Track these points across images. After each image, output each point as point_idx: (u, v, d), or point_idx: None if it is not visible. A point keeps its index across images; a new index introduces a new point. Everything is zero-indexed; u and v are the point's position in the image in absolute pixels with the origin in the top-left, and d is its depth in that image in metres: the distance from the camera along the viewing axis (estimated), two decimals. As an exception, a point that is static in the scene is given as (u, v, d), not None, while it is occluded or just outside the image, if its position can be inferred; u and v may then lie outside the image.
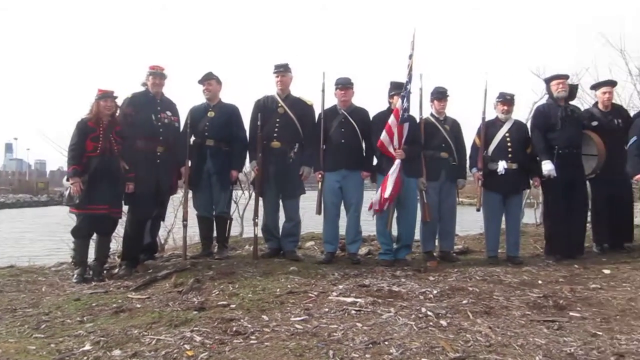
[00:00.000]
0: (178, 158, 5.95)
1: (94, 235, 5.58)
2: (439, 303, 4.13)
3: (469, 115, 6.50)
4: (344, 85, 6.02)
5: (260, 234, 6.14)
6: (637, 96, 10.87)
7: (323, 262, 5.88)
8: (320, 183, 5.99)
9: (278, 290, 4.56)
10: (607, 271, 5.37)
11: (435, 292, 4.46)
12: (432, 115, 6.23)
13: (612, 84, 6.65)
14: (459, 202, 6.58)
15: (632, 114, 6.82)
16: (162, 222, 6.60)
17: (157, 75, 5.85)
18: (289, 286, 4.69)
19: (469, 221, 9.34)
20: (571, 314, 3.84)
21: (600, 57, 22.37)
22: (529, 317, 3.74)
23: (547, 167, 5.87)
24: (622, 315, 3.79)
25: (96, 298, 4.56)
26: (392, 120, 5.66)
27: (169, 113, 5.92)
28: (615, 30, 16.01)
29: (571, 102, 6.31)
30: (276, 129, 5.99)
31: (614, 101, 6.88)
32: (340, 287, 4.64)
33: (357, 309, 3.93)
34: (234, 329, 3.52)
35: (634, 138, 5.80)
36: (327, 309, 3.95)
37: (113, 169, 5.40)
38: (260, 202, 6.13)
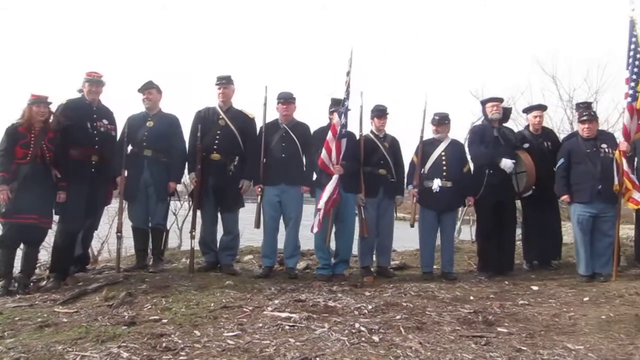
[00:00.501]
0: (114, 168, 5.80)
1: (22, 246, 5.34)
2: (372, 318, 4.16)
3: (414, 134, 6.62)
4: (286, 100, 6.04)
5: (197, 247, 6.05)
6: (567, 120, 11.42)
7: (260, 276, 5.84)
8: (259, 197, 5.96)
9: (212, 304, 4.49)
10: (535, 287, 5.57)
11: (370, 307, 4.50)
12: (371, 132, 6.33)
13: (542, 108, 6.97)
14: (397, 218, 6.69)
15: (561, 137, 7.17)
16: (95, 233, 6.39)
17: (94, 82, 5.70)
18: (223, 300, 4.64)
19: (408, 237, 9.50)
20: (499, 329, 3.95)
21: (535, 82, 23.42)
22: (459, 333, 3.82)
23: (506, 163, 6.09)
24: (546, 331, 3.93)
25: (20, 312, 4.35)
26: (329, 136, 5.71)
27: (105, 121, 5.77)
28: (549, 57, 16.77)
29: (505, 124, 6.57)
30: (216, 141, 5.94)
31: (545, 125, 7.21)
32: (276, 301, 4.61)
33: (291, 324, 3.91)
34: (164, 344, 3.44)
35: (562, 160, 6.08)
36: (261, 324, 3.91)
37: (43, 177, 5.20)
38: (199, 215, 6.05)
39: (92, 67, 5.80)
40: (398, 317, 4.22)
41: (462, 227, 11.62)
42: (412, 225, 6.28)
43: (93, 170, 5.59)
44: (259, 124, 6.13)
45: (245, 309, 4.34)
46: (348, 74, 5.83)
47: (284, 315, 4.17)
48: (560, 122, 11.96)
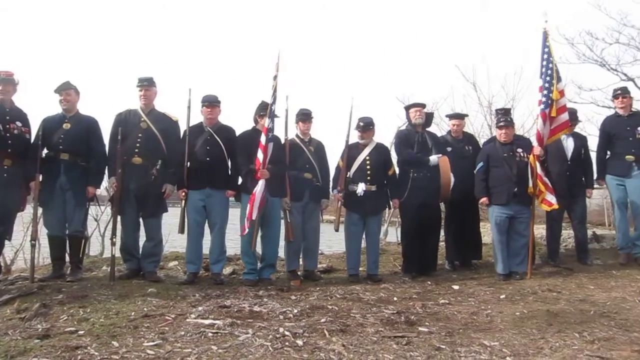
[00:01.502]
0: (27, 172, 5.51)
1: None
2: (297, 322, 4.16)
3: (340, 138, 6.68)
4: (211, 103, 5.95)
5: (118, 254, 5.85)
6: (487, 126, 11.93)
7: (184, 282, 5.71)
8: (183, 201, 5.84)
9: (133, 313, 4.34)
10: (456, 287, 5.76)
11: (295, 311, 4.50)
12: (297, 136, 6.34)
13: (461, 116, 7.26)
14: (324, 221, 6.73)
15: (482, 142, 7.46)
16: (8, 241, 6.04)
17: (6, 81, 5.41)
18: (145, 309, 4.49)
19: (337, 240, 9.59)
20: (420, 329, 4.04)
21: (457, 88, 24.31)
22: (382, 334, 3.88)
23: (434, 159, 6.29)
24: (464, 329, 4.06)
25: None
26: (263, 138, 5.66)
27: (19, 123, 5.49)
28: (469, 65, 17.48)
29: (428, 129, 6.77)
30: (138, 144, 5.76)
31: (466, 130, 7.49)
32: (200, 308, 4.52)
33: (214, 331, 3.84)
34: (79, 357, 3.29)
35: (481, 164, 6.34)
36: (183, 333, 3.82)
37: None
38: (120, 220, 5.84)
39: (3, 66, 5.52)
40: (323, 320, 4.23)
41: (390, 229, 11.90)
42: (336, 230, 6.32)
43: (5, 175, 5.31)
44: (182, 126, 6.01)
45: (167, 317, 4.23)
46: (275, 78, 5.82)
47: (207, 322, 4.09)
48: (481, 127, 12.49)
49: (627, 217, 7.25)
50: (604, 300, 4.95)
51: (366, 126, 6.36)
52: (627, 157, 6.81)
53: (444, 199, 6.46)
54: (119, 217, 5.81)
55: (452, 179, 6.25)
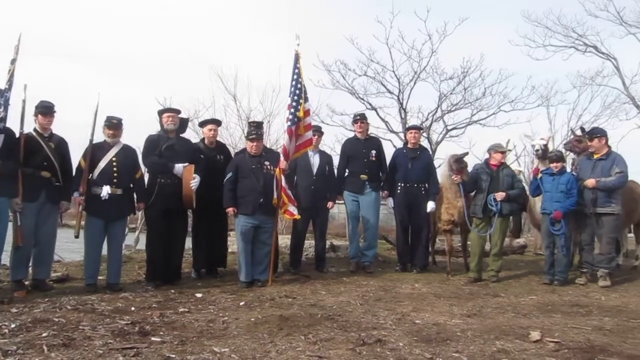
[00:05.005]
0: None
1: None
2: (12, 338, 3.74)
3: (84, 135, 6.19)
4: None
5: None
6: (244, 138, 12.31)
7: None
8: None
9: None
10: (199, 295, 5.76)
11: (12, 326, 4.06)
12: (35, 130, 5.72)
13: (217, 122, 7.33)
14: (62, 226, 6.18)
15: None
16: None
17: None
18: None
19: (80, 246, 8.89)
20: (153, 338, 3.93)
21: (219, 98, 24.69)
22: (110, 346, 3.67)
23: (179, 169, 6.17)
24: (198, 336, 4.06)
25: None
26: None
27: None
28: (231, 75, 17.89)
29: (183, 135, 6.70)
30: None
31: (221, 140, 7.60)
32: None
33: None
34: None
35: (230, 174, 6.45)
36: None
37: None
38: None
39: None
40: (45, 334, 3.88)
41: (141, 235, 11.45)
42: (76, 236, 5.83)
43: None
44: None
45: None
46: (13, 62, 5.21)
47: None
48: (239, 139, 12.85)
49: (359, 229, 8.14)
50: (332, 304, 5.42)
51: (119, 124, 6.07)
52: (361, 176, 7.66)
53: (188, 207, 6.41)
54: None
55: (194, 188, 6.18)
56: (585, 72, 17.85)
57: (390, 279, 7.15)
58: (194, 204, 6.26)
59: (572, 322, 4.76)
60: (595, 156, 6.96)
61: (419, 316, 4.90)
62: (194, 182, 6.16)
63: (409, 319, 4.77)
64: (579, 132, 7.98)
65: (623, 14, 13.66)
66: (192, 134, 12.31)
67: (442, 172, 7.99)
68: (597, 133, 7.09)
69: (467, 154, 7.65)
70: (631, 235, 8.79)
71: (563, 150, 8.48)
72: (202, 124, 7.30)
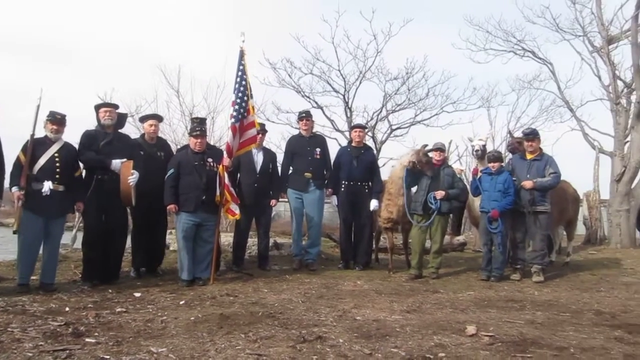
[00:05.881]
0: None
1: None
2: None
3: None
4: None
5: None
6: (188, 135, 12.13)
7: None
8: None
9: None
10: (137, 294, 5.63)
11: None
12: (-40, 124, 5.45)
13: (158, 118, 7.16)
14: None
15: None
16: None
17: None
18: None
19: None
20: (87, 340, 3.82)
21: (162, 93, 24.23)
22: (40, 348, 3.54)
23: (116, 165, 6.01)
24: (135, 337, 3.96)
25: None
26: None
27: None
28: (174, 69, 17.59)
29: (121, 130, 6.51)
30: None
31: (162, 135, 7.44)
32: None
33: None
34: None
35: (172, 170, 6.33)
36: None
37: None
38: None
39: None
40: (-30, 337, 3.69)
41: (79, 234, 11.06)
42: (14, 232, 5.59)
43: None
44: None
45: None
46: None
47: None
48: (182, 135, 12.61)
49: (302, 227, 8.14)
50: (274, 302, 5.40)
51: (63, 119, 5.86)
52: (305, 174, 7.67)
53: (127, 205, 6.24)
54: None
55: (132, 184, 6.01)
56: (524, 76, 18.60)
57: (333, 276, 7.20)
58: (133, 201, 6.08)
59: (506, 316, 4.92)
60: (530, 157, 7.23)
61: (359, 313, 4.95)
62: (132, 178, 5.97)
63: (350, 316, 4.81)
64: (517, 134, 8.26)
65: (559, 21, 14.14)
66: (133, 130, 12.04)
67: (393, 164, 8.02)
68: (537, 135, 7.38)
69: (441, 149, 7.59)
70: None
71: (504, 152, 8.76)
72: (143, 119, 7.13)
